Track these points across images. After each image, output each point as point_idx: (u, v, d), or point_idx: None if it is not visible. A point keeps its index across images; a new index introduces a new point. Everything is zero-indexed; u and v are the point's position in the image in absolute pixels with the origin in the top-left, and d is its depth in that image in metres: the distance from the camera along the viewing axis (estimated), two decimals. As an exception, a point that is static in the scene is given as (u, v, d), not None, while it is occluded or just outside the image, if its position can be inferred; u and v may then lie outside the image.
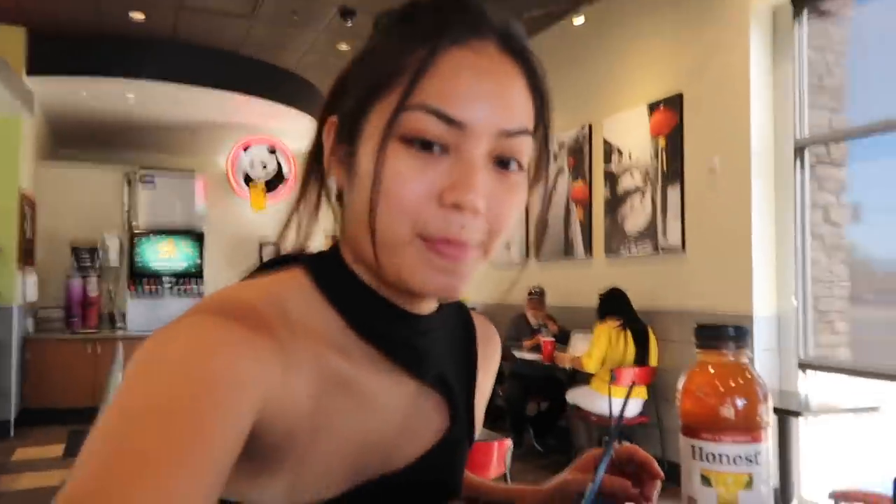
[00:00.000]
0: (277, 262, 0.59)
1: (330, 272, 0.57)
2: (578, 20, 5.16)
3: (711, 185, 4.06)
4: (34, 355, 5.98)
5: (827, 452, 3.66)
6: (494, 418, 5.53)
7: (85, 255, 6.71)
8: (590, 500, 0.55)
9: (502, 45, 0.54)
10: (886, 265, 3.95)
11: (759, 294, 3.78)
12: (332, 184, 0.59)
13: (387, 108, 0.51)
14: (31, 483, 4.28)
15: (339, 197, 0.61)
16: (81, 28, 5.85)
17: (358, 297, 0.57)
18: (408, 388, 0.60)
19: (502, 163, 0.53)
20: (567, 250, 5.28)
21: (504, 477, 2.37)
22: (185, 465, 0.39)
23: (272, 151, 7.64)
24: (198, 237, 7.08)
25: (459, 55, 0.51)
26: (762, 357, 3.75)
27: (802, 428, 3.62)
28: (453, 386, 0.64)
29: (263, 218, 7.41)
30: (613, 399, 3.98)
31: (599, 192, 4.98)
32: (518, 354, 4.93)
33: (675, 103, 4.32)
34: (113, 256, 6.88)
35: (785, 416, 2.91)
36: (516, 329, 5.16)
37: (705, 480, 0.52)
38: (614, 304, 4.26)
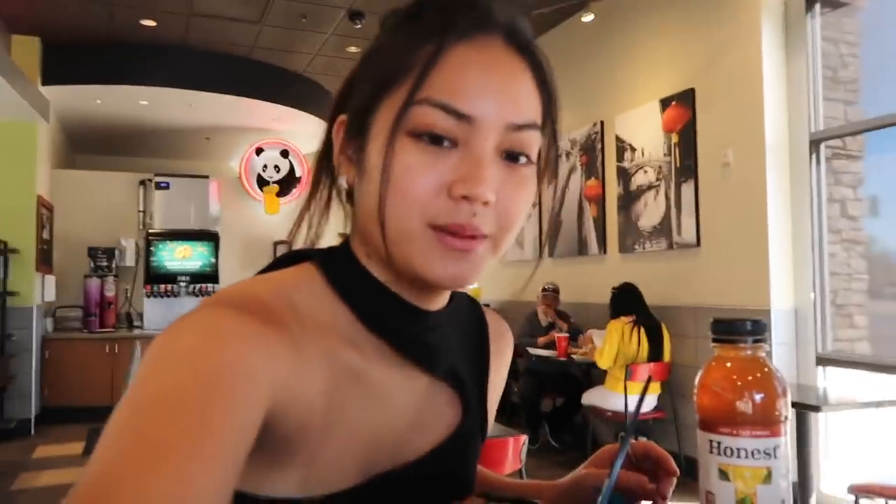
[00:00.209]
0: (289, 259, 0.59)
1: (341, 268, 0.58)
2: (588, 17, 5.14)
3: (726, 180, 4.03)
4: (53, 354, 6.06)
5: (846, 447, 3.63)
6: (510, 415, 5.53)
7: (102, 257, 6.79)
8: (606, 496, 0.55)
9: (508, 40, 0.54)
10: (905, 258, 3.90)
11: (776, 288, 3.75)
12: (344, 182, 0.59)
13: (395, 104, 0.52)
14: (51, 480, 4.35)
15: (350, 194, 0.61)
16: (94, 37, 5.92)
17: (369, 292, 0.57)
18: (419, 383, 0.61)
19: (511, 157, 0.54)
20: (581, 248, 5.26)
21: (519, 473, 2.38)
22: (199, 454, 0.40)
23: (285, 154, 7.68)
24: (212, 239, 7.14)
25: (466, 51, 0.52)
26: (779, 351, 3.72)
27: (821, 423, 3.60)
28: (465, 380, 0.65)
29: (277, 219, 7.46)
30: (630, 395, 3.98)
31: (612, 190, 4.96)
32: (533, 351, 4.93)
33: (687, 98, 4.29)
34: (129, 258, 6.97)
35: (803, 410, 2.89)
36: (530, 326, 5.16)
37: (723, 475, 0.52)
38: (627, 301, 4.24)
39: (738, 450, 0.51)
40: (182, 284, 6.88)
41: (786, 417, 0.53)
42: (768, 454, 0.51)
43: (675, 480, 0.64)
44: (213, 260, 7.08)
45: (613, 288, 4.34)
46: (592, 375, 4.67)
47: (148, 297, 6.77)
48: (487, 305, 0.78)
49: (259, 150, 7.62)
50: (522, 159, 0.54)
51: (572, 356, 4.67)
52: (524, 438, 2.40)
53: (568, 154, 5.44)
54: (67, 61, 6.00)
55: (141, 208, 7.22)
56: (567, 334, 4.80)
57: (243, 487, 0.51)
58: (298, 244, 0.62)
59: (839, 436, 3.66)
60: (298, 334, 0.51)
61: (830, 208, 3.84)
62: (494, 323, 0.75)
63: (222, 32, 5.87)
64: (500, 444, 2.30)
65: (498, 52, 0.53)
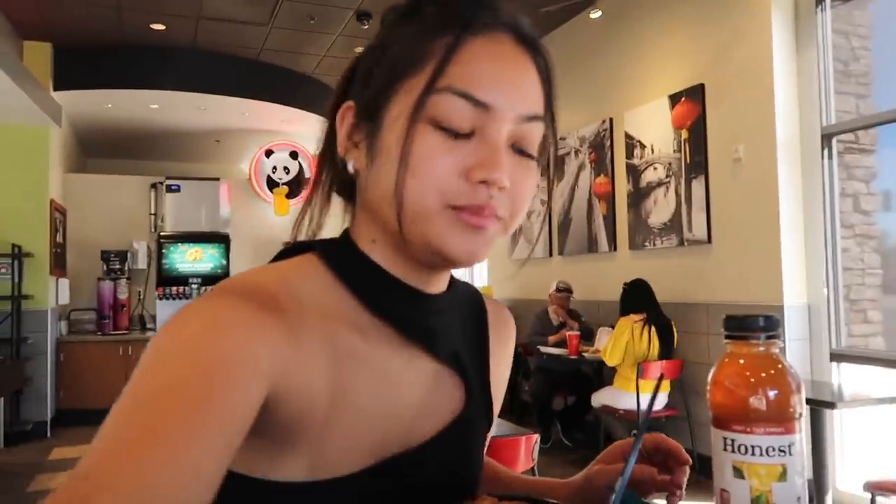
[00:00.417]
0: (293, 251, 0.62)
1: (342, 255, 0.60)
2: (596, 14, 5.12)
3: (736, 175, 4.00)
4: (68, 357, 6.12)
5: (861, 443, 3.60)
6: (521, 413, 5.53)
7: (114, 260, 6.85)
8: (621, 493, 0.55)
9: (515, 36, 0.57)
10: (919, 252, 3.86)
11: (788, 284, 3.72)
12: (351, 167, 0.60)
13: (412, 91, 0.54)
14: (68, 484, 4.39)
15: (351, 184, 0.63)
16: (104, 41, 5.97)
17: (370, 277, 0.59)
18: (423, 367, 0.62)
19: (518, 148, 0.56)
20: (591, 245, 5.25)
21: (531, 472, 2.37)
22: (194, 438, 0.42)
23: (294, 156, 7.71)
24: (223, 241, 7.18)
25: (481, 44, 0.55)
26: (793, 347, 3.70)
27: (836, 419, 3.57)
28: (467, 366, 0.65)
29: (287, 220, 7.48)
30: (642, 393, 3.96)
31: (622, 187, 4.94)
32: (544, 349, 4.92)
33: (696, 94, 4.27)
34: (141, 261, 7.02)
35: (818, 407, 2.87)
36: (541, 324, 5.15)
37: (738, 472, 0.52)
38: (637, 299, 4.22)
39: (753, 447, 0.51)
40: (194, 286, 6.92)
41: (800, 414, 0.53)
42: (783, 451, 0.51)
43: (688, 470, 0.65)
44: (224, 262, 7.12)
45: (625, 284, 4.32)
46: (604, 373, 4.66)
47: (160, 299, 6.81)
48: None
49: (269, 152, 7.65)
50: (528, 151, 0.57)
51: (583, 354, 4.65)
52: (536, 437, 2.39)
53: (577, 151, 5.42)
54: (78, 66, 6.05)
55: (152, 211, 7.27)
56: (578, 333, 4.79)
57: (252, 473, 0.53)
58: (301, 237, 0.64)
59: (854, 432, 3.63)
60: (298, 320, 0.53)
61: (843, 203, 3.81)
62: (495, 311, 0.75)
63: (231, 35, 5.90)
64: (512, 443, 2.29)
65: (507, 47, 0.56)
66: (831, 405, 2.85)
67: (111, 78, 6.13)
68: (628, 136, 4.87)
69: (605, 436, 4.39)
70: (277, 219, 7.55)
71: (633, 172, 4.82)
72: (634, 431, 0.67)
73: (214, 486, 0.43)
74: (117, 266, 6.85)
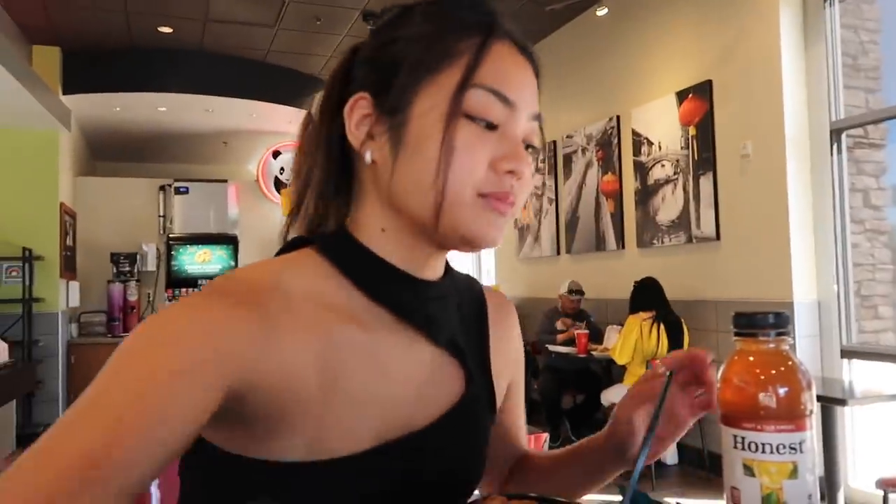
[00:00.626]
0: (294, 245, 0.65)
1: (340, 247, 0.63)
2: (602, 11, 5.10)
3: (745, 172, 3.98)
4: (78, 359, 6.15)
5: (873, 440, 3.58)
6: (530, 412, 5.51)
7: (124, 262, 6.89)
8: (631, 492, 0.55)
9: (515, 42, 0.62)
10: (931, 247, 3.83)
11: (798, 281, 3.70)
12: (368, 157, 0.61)
13: (443, 86, 0.58)
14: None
15: (350, 173, 0.65)
16: (112, 45, 6.00)
17: (369, 265, 0.62)
18: (423, 352, 0.63)
19: (525, 144, 0.62)
20: (599, 243, 5.23)
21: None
22: (135, 427, 0.47)
23: (301, 155, 7.72)
24: (231, 242, 7.20)
25: (501, 47, 0.60)
26: (803, 344, 3.68)
27: (847, 416, 3.54)
28: (466, 351, 0.67)
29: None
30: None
31: (630, 184, 4.92)
32: (552, 348, 4.91)
33: (704, 90, 4.25)
34: (150, 263, 7.05)
35: (829, 404, 2.85)
36: (550, 322, 5.14)
37: (748, 470, 0.51)
38: (647, 297, 4.21)
39: (763, 445, 0.51)
40: (203, 288, 6.95)
41: (811, 411, 0.52)
42: (794, 449, 0.51)
43: (711, 360, 0.66)
44: (232, 263, 7.15)
45: (635, 282, 4.31)
46: (613, 372, 4.65)
47: (170, 300, 6.84)
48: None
49: (276, 154, 7.68)
50: (534, 145, 0.63)
51: (592, 353, 4.64)
52: (545, 436, 2.39)
53: (584, 149, 5.41)
54: (87, 70, 6.09)
55: (161, 213, 7.30)
56: (586, 331, 4.78)
57: (250, 454, 0.56)
58: (295, 233, 0.68)
59: (866, 429, 3.60)
60: (282, 311, 0.55)
61: (853, 198, 3.78)
62: (495, 300, 0.78)
63: (238, 37, 5.92)
64: (521, 441, 2.29)
65: (516, 52, 0.61)
66: (842, 402, 2.83)
67: (119, 81, 6.17)
68: (636, 134, 4.85)
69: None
70: (285, 220, 7.57)
71: (641, 170, 4.80)
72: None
73: (146, 473, 0.48)
74: (127, 268, 6.89)
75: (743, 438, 0.52)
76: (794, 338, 3.64)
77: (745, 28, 3.98)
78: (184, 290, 6.88)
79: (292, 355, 0.55)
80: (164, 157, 8.64)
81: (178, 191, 7.13)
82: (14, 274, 5.54)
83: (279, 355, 0.54)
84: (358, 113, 0.61)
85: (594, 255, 5.31)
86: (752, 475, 0.51)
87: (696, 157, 4.32)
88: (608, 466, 0.73)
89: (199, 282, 6.96)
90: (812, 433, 0.52)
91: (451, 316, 0.67)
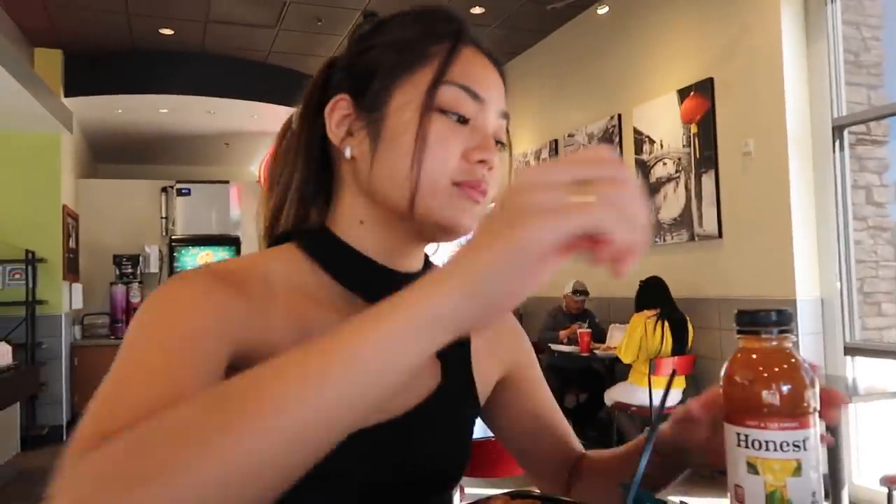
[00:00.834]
0: (277, 241, 0.69)
1: (319, 241, 0.67)
2: (602, 10, 5.10)
3: (747, 169, 3.98)
4: (82, 361, 6.17)
5: (877, 437, 3.57)
6: (533, 413, 5.51)
7: (127, 264, 6.90)
8: (634, 491, 0.55)
9: (483, 49, 0.68)
10: (934, 244, 3.82)
11: (801, 278, 3.69)
12: (348, 153, 0.66)
13: (417, 84, 0.63)
14: (84, 488, 4.42)
15: (330, 170, 0.70)
16: (114, 47, 6.01)
17: (346, 258, 0.66)
18: None
19: (495, 139, 0.66)
20: (600, 242, 5.22)
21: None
22: (170, 369, 0.50)
23: (303, 156, 7.73)
24: (234, 243, 7.21)
25: (469, 51, 0.66)
26: (806, 342, 3.67)
27: (851, 413, 3.53)
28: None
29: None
30: (654, 390, 3.95)
31: (631, 182, 4.91)
32: (555, 347, 4.90)
33: (705, 88, 4.24)
34: (153, 264, 7.06)
35: (832, 402, 2.84)
36: (554, 322, 5.14)
37: (752, 468, 0.51)
38: (652, 296, 4.20)
39: (767, 442, 0.51)
40: (205, 289, 6.96)
41: (815, 409, 0.52)
42: (797, 446, 0.50)
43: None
44: (235, 264, 7.15)
45: (641, 281, 4.31)
46: (616, 371, 4.64)
47: (173, 302, 6.85)
48: None
49: (277, 154, 7.67)
50: (502, 140, 0.67)
51: (595, 351, 4.64)
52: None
53: (585, 148, 5.40)
54: (88, 72, 6.10)
55: (163, 215, 7.31)
56: (589, 329, 4.78)
57: None
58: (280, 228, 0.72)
59: (870, 426, 3.60)
60: (262, 296, 0.60)
61: (855, 195, 3.77)
62: None
63: (239, 38, 5.92)
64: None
65: (483, 56, 0.67)
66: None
67: (121, 83, 6.17)
68: (637, 132, 4.85)
69: (618, 434, 4.38)
70: (287, 220, 7.58)
71: (643, 168, 4.80)
72: (647, 428, 0.67)
73: None
74: (129, 270, 6.90)
75: (746, 436, 0.52)
76: (797, 335, 3.64)
77: (747, 25, 3.98)
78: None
79: (275, 337, 0.59)
80: (165, 159, 8.66)
81: (180, 192, 7.14)
82: (17, 276, 5.55)
83: (264, 335, 0.58)
84: (338, 113, 0.66)
85: (596, 253, 5.29)
86: (756, 473, 0.51)
87: (697, 155, 4.31)
88: (677, 460, 0.70)
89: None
90: (816, 430, 0.52)
91: None
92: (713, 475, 0.63)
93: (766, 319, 0.53)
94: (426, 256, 0.74)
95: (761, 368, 0.53)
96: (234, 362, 0.55)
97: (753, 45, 3.93)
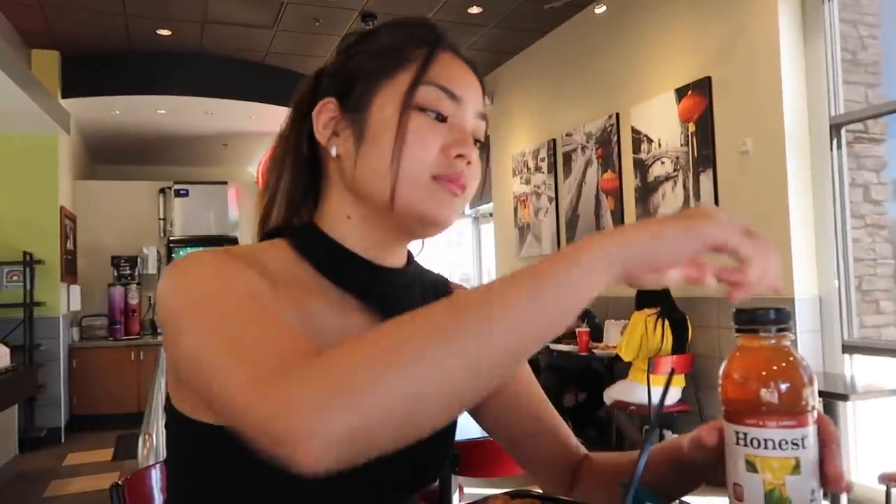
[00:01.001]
0: (268, 236, 0.73)
1: (307, 237, 0.71)
2: (600, 9, 5.10)
3: (745, 168, 3.98)
4: (80, 363, 6.16)
5: (876, 435, 3.57)
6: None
7: (125, 266, 6.88)
8: (633, 489, 0.55)
9: (460, 55, 0.72)
10: (932, 242, 3.82)
11: (799, 276, 3.69)
12: (333, 151, 0.70)
13: (397, 86, 0.67)
14: (82, 487, 4.42)
15: (318, 170, 0.74)
16: (111, 48, 6.00)
17: (333, 253, 0.70)
18: None
19: (474, 138, 0.70)
20: (599, 241, 5.22)
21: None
22: (264, 312, 0.55)
23: (301, 156, 7.72)
24: (232, 244, 7.19)
25: (447, 56, 0.70)
26: (804, 340, 3.67)
27: (850, 411, 3.54)
28: None
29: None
30: (653, 388, 3.95)
31: (630, 182, 4.92)
32: (553, 346, 4.90)
33: (703, 87, 4.25)
34: (151, 266, 7.05)
35: (831, 399, 2.85)
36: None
37: (750, 466, 0.51)
38: (653, 294, 4.20)
39: (766, 441, 0.51)
40: (204, 290, 6.95)
41: (813, 407, 0.52)
42: (796, 444, 0.51)
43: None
44: (233, 265, 7.14)
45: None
46: (615, 369, 4.64)
47: (171, 303, 6.84)
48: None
49: (275, 155, 7.67)
50: (480, 139, 0.71)
51: (594, 351, 4.64)
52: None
53: (584, 147, 5.41)
54: (86, 73, 6.08)
55: (161, 216, 7.30)
56: (588, 329, 4.78)
57: (187, 413, 0.63)
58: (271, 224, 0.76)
59: (868, 424, 3.60)
60: (270, 280, 0.62)
61: (853, 193, 3.78)
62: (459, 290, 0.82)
63: (237, 39, 5.92)
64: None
65: (461, 60, 0.71)
66: (844, 397, 2.83)
67: (118, 84, 6.16)
68: (635, 131, 4.85)
69: (617, 433, 4.38)
70: (285, 221, 7.57)
71: (641, 167, 4.80)
72: (646, 427, 0.67)
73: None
74: (127, 271, 6.89)
75: (745, 434, 0.52)
76: (794, 333, 3.64)
77: (744, 24, 3.98)
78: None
79: (284, 315, 0.61)
80: (163, 160, 8.65)
81: (178, 193, 7.13)
82: (15, 278, 5.54)
83: (279, 307, 0.61)
84: (325, 115, 0.71)
85: (595, 253, 5.29)
86: (755, 471, 0.51)
87: (695, 154, 4.32)
88: (692, 468, 0.67)
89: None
90: (814, 428, 0.52)
91: (414, 303, 0.67)
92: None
93: (765, 318, 0.53)
94: (410, 254, 0.77)
95: (760, 367, 0.53)
96: None
97: (751, 44, 3.94)
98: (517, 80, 6.38)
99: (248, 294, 0.56)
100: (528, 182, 6.15)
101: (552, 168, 5.78)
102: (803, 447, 0.51)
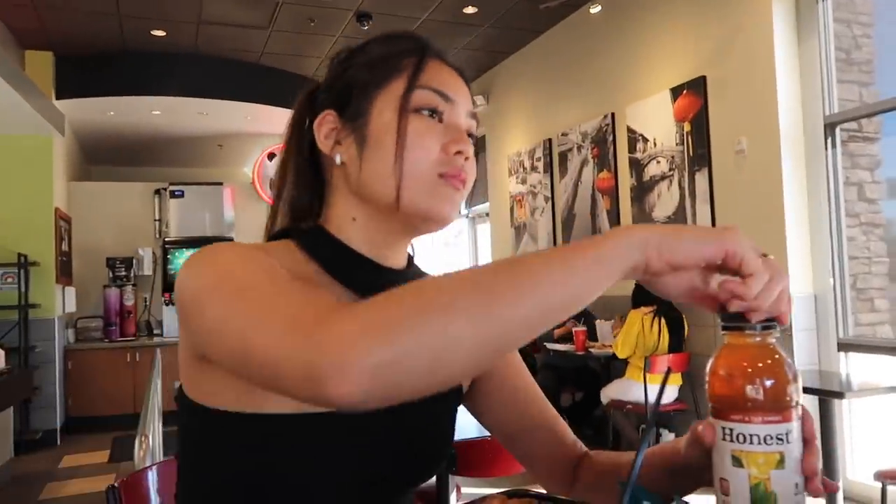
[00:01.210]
0: (274, 238, 0.77)
1: (315, 239, 0.74)
2: (595, 9, 5.11)
3: (740, 167, 3.99)
4: (76, 365, 6.15)
5: (871, 433, 3.59)
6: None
7: (120, 267, 6.87)
8: (630, 487, 0.55)
9: (447, 61, 0.76)
10: (926, 240, 3.84)
11: (794, 274, 3.71)
12: (338, 159, 0.73)
13: (392, 92, 0.71)
14: (78, 489, 4.41)
15: (321, 176, 0.78)
16: (105, 49, 5.99)
17: (340, 254, 0.73)
18: None
19: (468, 134, 0.74)
20: (595, 240, 5.23)
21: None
22: (282, 281, 0.58)
23: (296, 157, 7.72)
24: (228, 245, 7.20)
25: (436, 63, 0.74)
26: (800, 338, 3.68)
27: (845, 409, 3.55)
28: None
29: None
30: (650, 386, 3.96)
31: (625, 181, 4.93)
32: (550, 346, 4.91)
33: (698, 86, 4.26)
34: (147, 267, 7.04)
35: (826, 397, 2.85)
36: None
37: (736, 461, 0.52)
38: (648, 292, 4.20)
39: (751, 436, 0.52)
40: (200, 291, 6.94)
41: (797, 402, 0.53)
42: (780, 439, 0.51)
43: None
44: (229, 266, 7.14)
45: (637, 280, 4.31)
46: (611, 368, 4.65)
47: (167, 305, 6.84)
48: None
49: (271, 156, 7.67)
50: (474, 135, 0.76)
51: (590, 350, 4.65)
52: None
53: (579, 147, 5.42)
54: (80, 74, 6.07)
55: (157, 217, 7.29)
56: (584, 328, 4.78)
57: (246, 409, 0.64)
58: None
59: (864, 422, 3.62)
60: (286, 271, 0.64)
61: (848, 192, 3.79)
62: None
63: (231, 39, 5.91)
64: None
65: (448, 67, 0.76)
66: (840, 395, 2.84)
67: (113, 85, 6.15)
68: (630, 131, 4.86)
69: (614, 432, 4.39)
70: (281, 222, 7.57)
71: (636, 166, 4.81)
72: (643, 426, 0.67)
73: None
74: (123, 273, 6.87)
75: (731, 430, 0.52)
76: (790, 331, 3.65)
77: (739, 24, 3.99)
78: (181, 293, 6.86)
79: None
80: (158, 161, 8.63)
81: (173, 194, 7.12)
82: (9, 280, 5.53)
83: None
84: (326, 126, 0.74)
85: (591, 252, 5.30)
86: (741, 466, 0.52)
87: (691, 154, 4.33)
88: (690, 471, 0.68)
89: (196, 285, 6.95)
90: (798, 424, 0.53)
91: None
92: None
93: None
94: (410, 256, 0.81)
95: (745, 364, 0.53)
96: None
97: (745, 44, 3.95)
98: (513, 80, 6.38)
99: (273, 267, 0.59)
100: (524, 182, 6.15)
101: (548, 168, 5.79)
102: (787, 442, 0.51)
